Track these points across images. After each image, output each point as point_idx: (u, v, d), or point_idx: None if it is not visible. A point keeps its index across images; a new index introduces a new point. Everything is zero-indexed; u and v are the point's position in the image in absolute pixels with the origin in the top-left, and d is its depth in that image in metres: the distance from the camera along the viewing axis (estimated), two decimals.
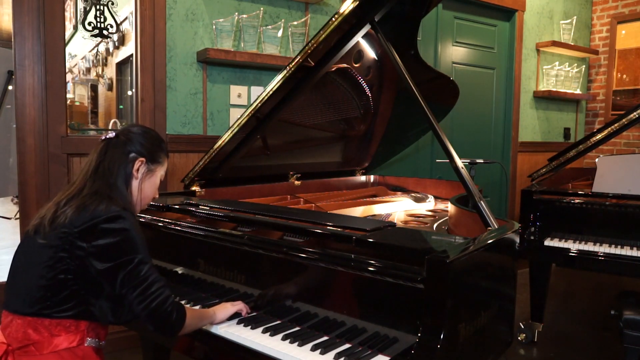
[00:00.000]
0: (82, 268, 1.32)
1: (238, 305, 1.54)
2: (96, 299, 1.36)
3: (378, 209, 2.49)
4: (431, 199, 2.81)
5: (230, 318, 1.51)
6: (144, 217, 1.91)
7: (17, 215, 4.06)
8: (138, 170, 1.50)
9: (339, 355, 1.27)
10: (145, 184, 1.53)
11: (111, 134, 1.49)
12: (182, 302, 1.62)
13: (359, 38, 2.12)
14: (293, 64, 1.94)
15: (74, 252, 1.32)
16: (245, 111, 2.02)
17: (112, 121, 3.71)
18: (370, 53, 2.38)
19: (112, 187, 1.42)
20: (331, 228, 1.52)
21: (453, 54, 4.26)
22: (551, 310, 3.65)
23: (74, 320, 1.35)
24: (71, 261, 1.32)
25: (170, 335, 1.49)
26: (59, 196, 1.42)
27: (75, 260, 1.32)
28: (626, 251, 2.67)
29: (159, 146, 1.57)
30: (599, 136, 3.07)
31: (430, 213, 2.50)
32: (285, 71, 1.95)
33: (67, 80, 2.72)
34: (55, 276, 1.32)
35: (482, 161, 2.94)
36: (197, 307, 1.59)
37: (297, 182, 2.71)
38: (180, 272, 1.80)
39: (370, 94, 2.58)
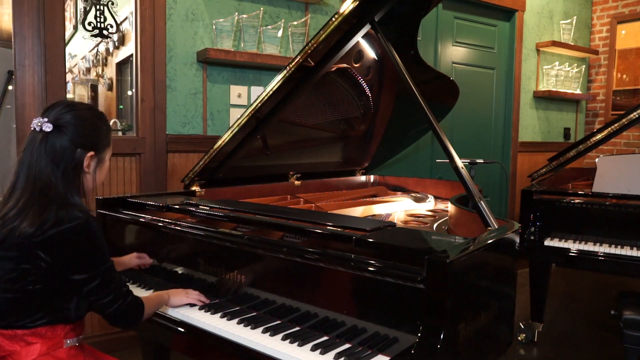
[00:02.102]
0: (50, 277, 1.28)
1: (191, 298, 1.61)
2: (69, 302, 1.34)
3: (378, 209, 2.49)
4: (431, 199, 2.81)
5: (231, 318, 1.51)
6: (144, 217, 1.91)
7: None
8: (89, 165, 1.39)
9: (339, 355, 1.27)
10: (98, 173, 1.44)
11: (46, 127, 1.31)
12: None
13: (359, 38, 2.12)
14: (293, 64, 1.94)
15: (37, 263, 1.26)
16: (245, 111, 2.02)
17: (112, 121, 3.71)
18: (370, 53, 2.38)
19: (64, 191, 1.32)
20: (331, 228, 1.52)
21: (453, 54, 4.26)
22: (551, 310, 3.65)
23: (50, 327, 1.32)
24: (36, 272, 1.27)
25: (130, 328, 1.54)
26: (1, 205, 1.31)
27: (39, 270, 1.27)
28: (626, 251, 2.67)
29: (100, 129, 1.42)
30: (599, 136, 3.07)
31: (430, 213, 2.50)
32: (285, 71, 1.95)
33: (67, 80, 2.72)
34: (23, 288, 1.27)
35: (482, 161, 2.94)
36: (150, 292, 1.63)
37: (297, 182, 2.71)
38: (180, 272, 1.80)
39: (370, 94, 2.58)
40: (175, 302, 1.60)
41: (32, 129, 1.33)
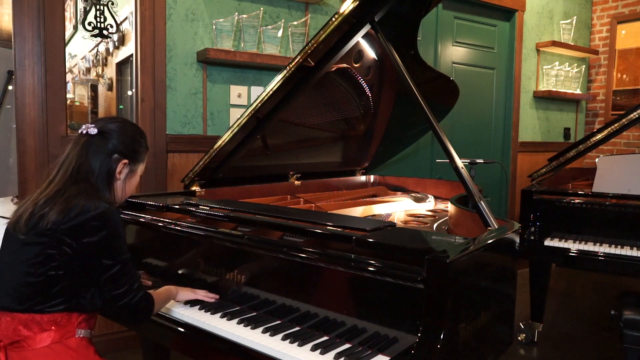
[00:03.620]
0: (72, 263, 1.34)
1: (199, 295, 1.62)
2: (86, 291, 1.38)
3: (378, 209, 2.49)
4: (431, 199, 2.81)
5: (231, 318, 1.51)
6: (144, 217, 1.91)
7: None
8: (121, 172, 1.50)
9: (339, 355, 1.27)
10: (128, 183, 1.54)
11: (92, 131, 1.45)
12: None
13: (359, 38, 2.12)
14: (293, 64, 1.94)
15: (63, 249, 1.32)
16: (245, 111, 2.02)
17: None
18: (370, 53, 2.38)
19: (94, 188, 1.42)
20: (331, 228, 1.52)
21: (453, 54, 4.26)
22: (551, 310, 3.65)
23: (65, 314, 1.36)
24: (60, 257, 1.32)
25: (140, 323, 1.55)
26: (37, 194, 1.41)
27: (64, 256, 1.33)
28: (626, 251, 2.67)
29: (139, 143, 1.55)
30: (599, 136, 3.07)
31: (430, 213, 2.50)
32: (285, 71, 1.95)
33: (67, 80, 2.72)
34: (45, 272, 1.32)
35: (482, 161, 2.94)
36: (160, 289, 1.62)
37: (297, 182, 2.71)
38: (180, 272, 1.80)
39: (370, 94, 2.58)
40: (183, 297, 1.62)
41: (79, 132, 1.47)
